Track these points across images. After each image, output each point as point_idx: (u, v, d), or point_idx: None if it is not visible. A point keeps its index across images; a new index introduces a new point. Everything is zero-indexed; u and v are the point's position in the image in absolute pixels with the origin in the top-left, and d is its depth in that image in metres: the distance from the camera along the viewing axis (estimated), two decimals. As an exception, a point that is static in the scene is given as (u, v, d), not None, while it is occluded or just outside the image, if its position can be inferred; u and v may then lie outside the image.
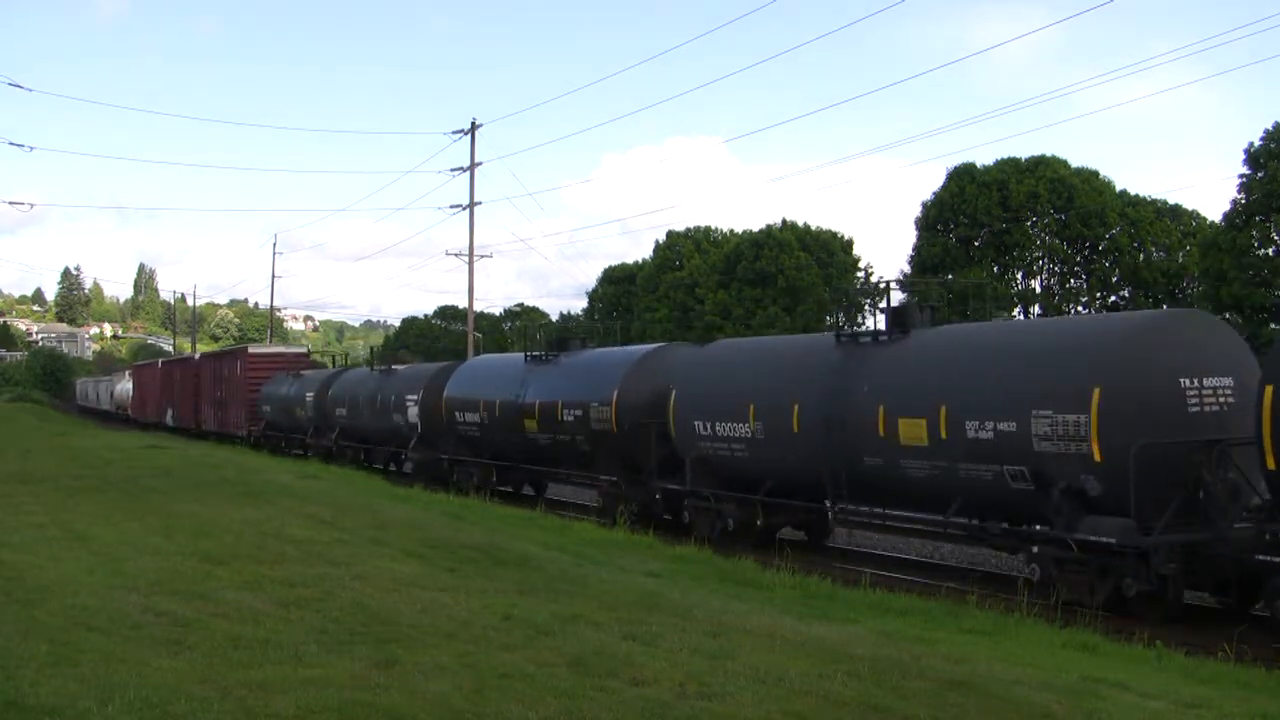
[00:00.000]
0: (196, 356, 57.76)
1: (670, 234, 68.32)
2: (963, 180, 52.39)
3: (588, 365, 22.58)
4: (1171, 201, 53.62)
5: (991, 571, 16.18)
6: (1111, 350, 12.87)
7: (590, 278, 79.08)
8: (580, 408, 21.46)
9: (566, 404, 22.07)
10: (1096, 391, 12.41)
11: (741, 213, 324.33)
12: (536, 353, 25.00)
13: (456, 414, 26.65)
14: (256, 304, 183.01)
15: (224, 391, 47.93)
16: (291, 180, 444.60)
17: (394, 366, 33.75)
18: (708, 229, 68.41)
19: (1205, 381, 12.65)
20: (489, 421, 25.09)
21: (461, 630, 8.96)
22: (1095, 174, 52.68)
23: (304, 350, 50.83)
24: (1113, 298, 52.23)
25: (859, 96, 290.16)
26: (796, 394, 16.45)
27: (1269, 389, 11.12)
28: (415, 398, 29.08)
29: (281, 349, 50.87)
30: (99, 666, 7.46)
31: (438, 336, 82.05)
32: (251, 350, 46.64)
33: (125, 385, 75.04)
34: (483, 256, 65.21)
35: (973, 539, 15.13)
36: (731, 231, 66.70)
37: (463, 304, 47.90)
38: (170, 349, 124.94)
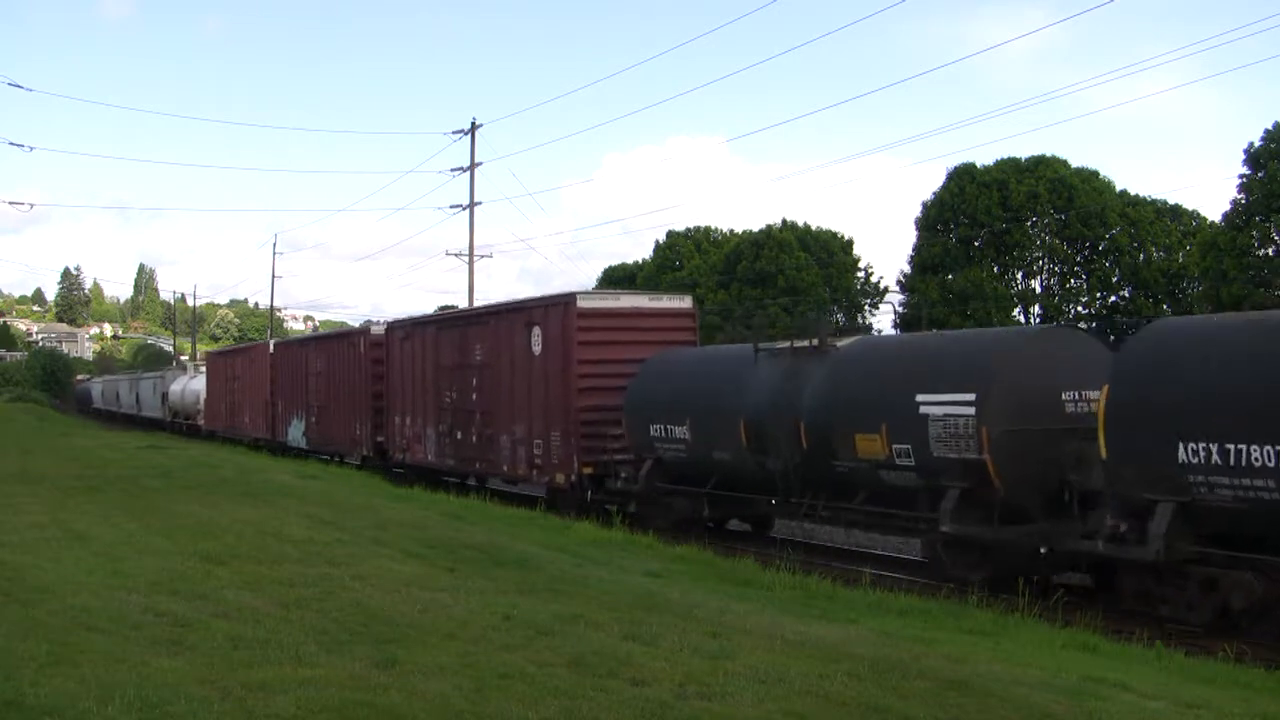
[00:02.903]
0: (380, 327, 31.29)
1: (670, 234, 68.37)
2: (963, 180, 52.43)
3: None
4: (1171, 201, 53.72)
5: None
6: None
7: (590, 278, 79.01)
8: None
9: None
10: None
11: (742, 213, 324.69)
12: None
13: None
14: (256, 304, 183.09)
15: (485, 389, 23.71)
16: (291, 180, 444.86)
17: None
18: (708, 229, 68.46)
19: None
20: None
21: (461, 630, 8.97)
22: (1095, 174, 52.73)
23: (687, 306, 22.89)
24: (1113, 298, 52.26)
25: (859, 97, 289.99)
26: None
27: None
28: None
29: (649, 302, 22.72)
30: (99, 666, 7.47)
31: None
32: (585, 305, 21.24)
33: (190, 384, 55.98)
34: (483, 256, 64.00)
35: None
36: (731, 231, 66.76)
37: (463, 304, 47.77)
38: (170, 349, 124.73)
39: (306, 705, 6.66)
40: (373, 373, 29.72)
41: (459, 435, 25.01)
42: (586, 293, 21.95)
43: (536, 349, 21.89)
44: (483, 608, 9.93)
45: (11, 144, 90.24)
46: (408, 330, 28.49)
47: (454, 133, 46.05)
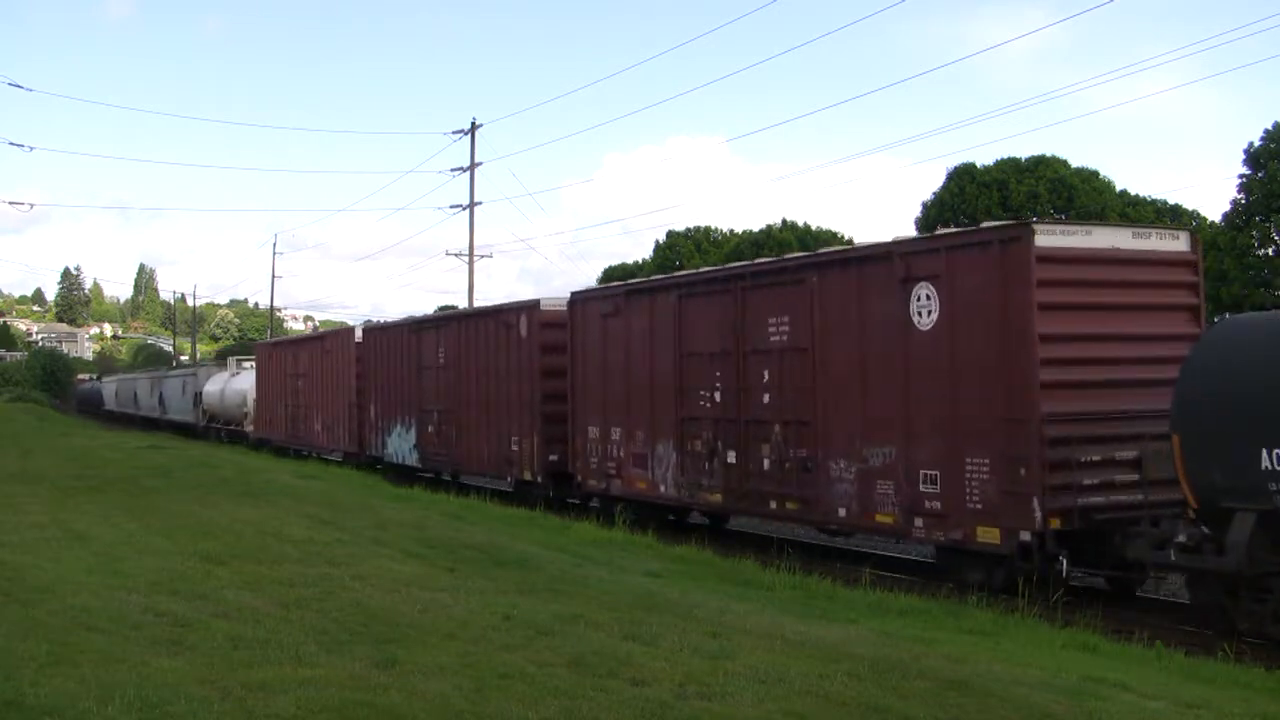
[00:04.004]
0: (554, 301, 22.69)
1: (670, 234, 68.35)
2: (963, 180, 52.42)
3: None
4: (1171, 201, 53.70)
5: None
6: None
7: (590, 278, 79.04)
8: None
9: None
10: None
11: (742, 213, 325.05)
12: None
13: None
14: (256, 304, 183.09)
15: (790, 387, 16.03)
16: (291, 180, 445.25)
17: None
18: (708, 229, 68.44)
19: None
20: None
21: (461, 630, 8.97)
22: (1095, 174, 52.72)
23: (1184, 247, 14.01)
24: (1113, 298, 52.31)
25: (859, 97, 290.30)
26: None
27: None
28: None
29: (1132, 241, 13.71)
30: (99, 666, 7.47)
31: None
32: (1049, 242, 12.80)
33: (232, 383, 45.86)
34: (483, 256, 63.69)
35: None
36: (731, 231, 66.76)
37: (463, 304, 47.74)
38: (170, 349, 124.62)
39: (306, 705, 6.66)
40: (543, 365, 21.84)
41: (730, 458, 17.12)
42: (1045, 223, 13.46)
43: (924, 320, 13.89)
44: (483, 608, 9.93)
45: (11, 144, 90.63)
46: (616, 302, 19.95)
47: (454, 133, 46.09)
